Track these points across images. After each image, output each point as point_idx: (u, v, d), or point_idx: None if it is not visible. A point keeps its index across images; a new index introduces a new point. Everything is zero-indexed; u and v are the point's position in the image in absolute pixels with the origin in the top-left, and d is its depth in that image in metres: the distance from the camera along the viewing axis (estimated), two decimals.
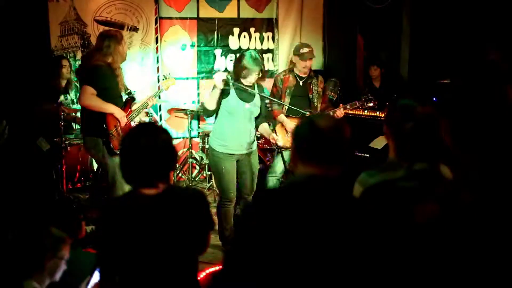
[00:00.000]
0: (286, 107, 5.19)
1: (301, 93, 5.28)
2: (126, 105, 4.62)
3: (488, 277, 1.93)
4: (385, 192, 2.09)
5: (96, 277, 2.51)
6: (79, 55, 6.62)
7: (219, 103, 4.36)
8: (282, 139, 5.13)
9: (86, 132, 4.51)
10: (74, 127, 6.24)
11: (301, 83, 5.27)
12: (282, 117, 5.26)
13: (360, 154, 5.67)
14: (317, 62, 7.39)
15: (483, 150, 2.20)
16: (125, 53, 4.56)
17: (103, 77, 4.34)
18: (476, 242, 1.94)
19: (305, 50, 5.19)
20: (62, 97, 6.06)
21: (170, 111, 6.98)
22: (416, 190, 2.08)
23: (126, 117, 4.51)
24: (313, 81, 5.32)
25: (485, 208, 1.98)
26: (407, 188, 2.08)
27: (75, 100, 6.51)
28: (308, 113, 4.92)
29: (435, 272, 1.96)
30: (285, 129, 5.28)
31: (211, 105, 4.26)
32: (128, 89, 4.68)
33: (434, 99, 6.19)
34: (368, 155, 5.62)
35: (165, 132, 2.29)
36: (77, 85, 6.64)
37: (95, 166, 6.04)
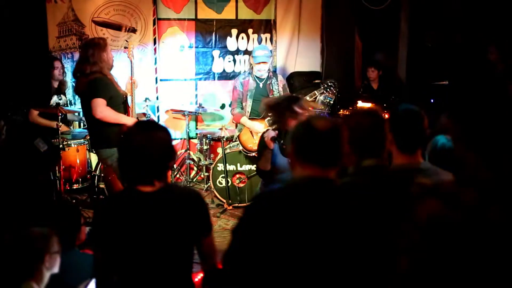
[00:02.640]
0: (249, 111, 5.22)
1: (263, 94, 5.28)
2: (126, 106, 4.64)
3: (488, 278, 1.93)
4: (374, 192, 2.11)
5: (94, 281, 2.51)
6: (77, 56, 6.61)
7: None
8: (249, 142, 5.19)
9: (103, 145, 4.46)
10: (72, 128, 6.24)
11: (261, 85, 5.26)
12: (245, 119, 5.23)
13: None
14: (315, 64, 7.41)
15: (491, 149, 2.22)
16: (111, 59, 4.53)
17: (105, 87, 4.35)
18: (480, 245, 1.94)
19: (259, 53, 5.15)
20: (55, 98, 6.05)
21: (168, 112, 6.98)
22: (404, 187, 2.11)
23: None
24: (273, 81, 5.31)
25: (492, 210, 1.98)
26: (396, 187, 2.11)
27: (73, 101, 6.51)
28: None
29: (434, 271, 1.96)
30: (251, 132, 5.31)
31: (267, 166, 3.93)
32: (123, 92, 4.68)
33: (431, 100, 6.21)
34: None
35: (163, 129, 2.29)
36: (74, 85, 6.65)
37: (93, 167, 6.04)
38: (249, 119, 5.32)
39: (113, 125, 4.36)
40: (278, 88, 5.29)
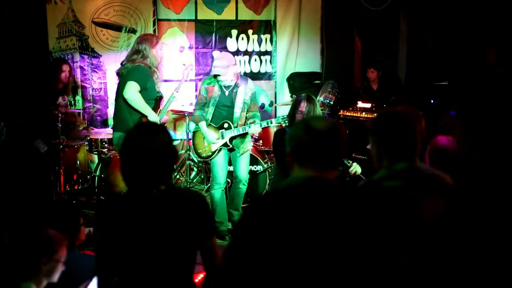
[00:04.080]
0: (209, 118, 4.94)
1: (227, 103, 4.93)
2: (157, 105, 4.83)
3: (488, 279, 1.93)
4: (373, 192, 2.10)
5: (95, 282, 2.51)
6: (77, 57, 6.63)
7: None
8: (200, 147, 5.02)
9: (120, 127, 4.68)
10: (73, 128, 6.24)
11: (226, 93, 4.91)
12: (203, 125, 4.93)
13: (358, 156, 5.68)
14: (315, 64, 7.41)
15: (496, 148, 2.22)
16: (159, 56, 4.76)
17: (144, 77, 4.60)
18: (481, 245, 1.94)
19: (216, 63, 4.86)
20: (60, 99, 6.05)
21: (168, 112, 6.97)
22: (403, 189, 2.10)
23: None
24: (239, 89, 4.91)
25: (493, 211, 1.98)
26: (394, 188, 2.10)
27: (73, 102, 6.52)
28: (226, 124, 4.87)
29: (436, 271, 1.96)
30: (203, 137, 5.01)
31: None
32: (159, 91, 4.83)
33: (431, 101, 6.21)
34: (366, 157, 5.63)
35: (165, 132, 2.28)
36: (75, 86, 6.66)
37: (93, 168, 6.05)
38: (207, 126, 4.96)
39: (135, 112, 4.59)
40: (244, 97, 4.91)
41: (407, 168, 2.19)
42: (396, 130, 2.22)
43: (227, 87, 4.91)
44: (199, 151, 5.10)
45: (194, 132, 5.16)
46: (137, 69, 4.60)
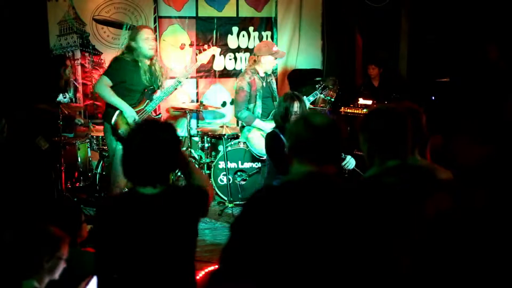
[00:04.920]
0: (260, 112, 4.97)
1: (268, 93, 5.04)
2: (143, 97, 4.83)
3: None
4: (370, 189, 2.09)
5: (95, 278, 2.51)
6: (78, 54, 6.63)
7: None
8: (262, 145, 4.93)
9: (103, 117, 4.89)
10: (76, 124, 6.24)
11: (264, 84, 5.04)
12: (260, 122, 4.97)
13: (358, 152, 5.67)
14: (316, 61, 7.41)
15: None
16: (142, 47, 4.67)
17: (120, 70, 4.64)
18: (482, 245, 1.94)
19: (282, 52, 5.08)
20: (61, 96, 6.06)
21: (168, 110, 6.97)
22: (397, 187, 2.10)
23: (138, 113, 4.73)
24: (271, 79, 5.12)
25: (498, 211, 1.98)
26: (390, 185, 2.10)
27: (73, 99, 6.51)
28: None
29: (435, 270, 1.96)
30: (260, 134, 5.02)
31: None
32: (160, 82, 4.91)
33: (432, 97, 6.21)
34: None
35: (168, 130, 2.25)
36: (76, 84, 6.66)
37: (94, 165, 6.05)
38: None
39: (111, 106, 4.67)
40: (274, 86, 5.12)
41: (399, 165, 2.18)
42: (387, 127, 2.20)
43: (263, 77, 4.98)
44: (262, 150, 5.01)
45: (248, 137, 5.08)
46: (112, 63, 4.69)
